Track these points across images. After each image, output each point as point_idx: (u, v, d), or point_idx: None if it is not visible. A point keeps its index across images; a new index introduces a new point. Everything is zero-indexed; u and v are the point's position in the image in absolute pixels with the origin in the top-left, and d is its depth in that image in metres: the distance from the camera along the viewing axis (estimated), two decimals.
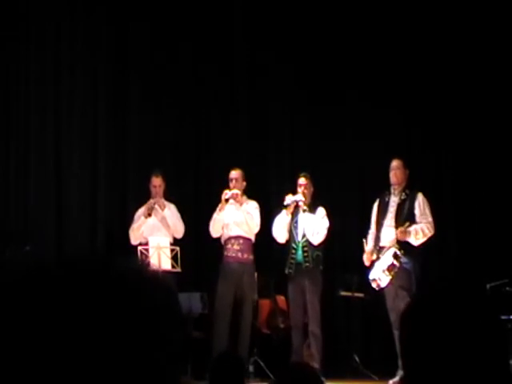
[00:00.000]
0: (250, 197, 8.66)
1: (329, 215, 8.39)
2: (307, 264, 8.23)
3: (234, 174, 8.49)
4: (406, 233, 7.85)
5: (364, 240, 8.15)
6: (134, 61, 9.91)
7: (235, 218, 8.37)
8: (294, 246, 8.33)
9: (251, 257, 8.39)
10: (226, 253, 8.38)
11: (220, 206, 8.36)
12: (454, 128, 9.88)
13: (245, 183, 8.51)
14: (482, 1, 9.86)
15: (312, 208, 8.35)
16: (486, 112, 9.76)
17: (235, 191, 8.35)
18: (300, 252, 8.29)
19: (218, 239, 8.51)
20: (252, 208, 8.44)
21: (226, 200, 8.31)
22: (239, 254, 8.34)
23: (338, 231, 8.73)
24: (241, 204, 8.39)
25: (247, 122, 10.09)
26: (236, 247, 8.35)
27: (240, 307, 8.28)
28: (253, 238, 8.45)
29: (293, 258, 8.30)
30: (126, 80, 9.92)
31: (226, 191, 8.36)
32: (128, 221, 8.75)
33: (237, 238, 8.38)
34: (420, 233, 7.90)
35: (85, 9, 9.77)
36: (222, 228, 8.41)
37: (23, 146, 9.48)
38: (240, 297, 8.29)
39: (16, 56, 9.58)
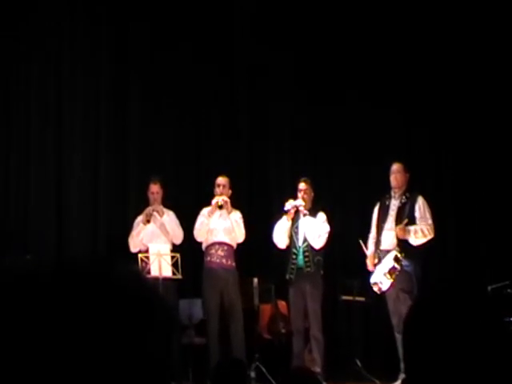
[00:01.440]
0: (250, 201, 8.66)
1: (329, 218, 8.39)
2: (308, 269, 8.22)
3: (222, 180, 8.49)
4: (405, 231, 7.86)
5: (360, 241, 8.14)
6: (133, 61, 9.90)
7: (223, 225, 8.38)
8: (294, 251, 8.32)
9: (234, 264, 8.39)
10: (208, 258, 8.38)
11: (209, 210, 8.36)
12: (455, 130, 9.87)
13: (230, 191, 8.51)
14: (482, 1, 9.85)
15: (312, 213, 8.34)
16: (487, 114, 9.75)
17: (226, 198, 8.35)
18: (301, 257, 8.27)
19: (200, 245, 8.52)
20: (237, 218, 8.44)
21: (220, 207, 8.31)
22: (223, 261, 8.33)
23: (338, 233, 8.72)
24: (229, 212, 8.39)
25: (247, 123, 10.09)
26: (220, 253, 8.35)
27: (230, 313, 8.27)
28: (235, 245, 8.45)
29: (293, 263, 8.29)
30: (126, 80, 9.92)
31: (217, 197, 8.36)
32: (129, 225, 8.75)
33: (221, 244, 8.38)
34: (419, 232, 7.91)
35: (85, 9, 9.77)
36: (206, 233, 8.40)
37: (23, 147, 9.49)
38: (228, 303, 8.28)
39: (16, 56, 9.57)
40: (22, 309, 0.91)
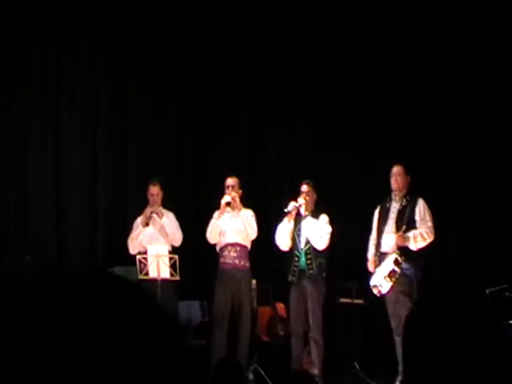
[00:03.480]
0: (250, 203, 8.66)
1: (330, 222, 8.38)
2: (310, 271, 8.21)
3: (231, 181, 8.47)
4: (404, 238, 7.86)
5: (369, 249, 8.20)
6: (133, 61, 9.89)
7: (233, 225, 8.36)
8: (296, 253, 8.31)
9: (248, 264, 8.37)
10: (222, 260, 8.36)
11: (220, 210, 8.33)
12: (455, 133, 9.87)
13: (241, 191, 8.49)
14: (481, 1, 9.85)
15: (315, 215, 8.34)
16: (487, 116, 9.75)
17: (234, 194, 8.34)
18: (303, 259, 8.27)
19: (214, 246, 8.50)
20: (248, 216, 8.43)
21: (228, 204, 8.28)
22: (236, 261, 8.32)
23: (337, 235, 8.71)
24: (239, 210, 8.38)
25: (247, 122, 10.09)
26: (233, 254, 8.33)
27: (238, 315, 8.27)
28: (249, 245, 8.44)
29: (296, 266, 8.28)
30: (126, 80, 9.91)
31: (226, 196, 8.35)
32: (128, 226, 8.75)
33: (234, 245, 8.36)
34: (419, 237, 7.90)
35: (85, 9, 9.73)
36: (219, 235, 8.39)
37: (23, 147, 9.47)
38: (238, 304, 8.27)
39: (16, 57, 9.54)
40: (20, 315, 0.92)
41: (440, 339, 1.42)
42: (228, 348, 8.12)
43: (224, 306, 8.22)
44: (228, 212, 8.34)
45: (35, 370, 0.89)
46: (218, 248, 8.44)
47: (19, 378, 0.89)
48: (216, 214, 8.39)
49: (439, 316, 1.46)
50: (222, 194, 8.46)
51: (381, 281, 7.84)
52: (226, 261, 8.33)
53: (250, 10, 10.08)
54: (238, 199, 8.35)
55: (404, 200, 8.12)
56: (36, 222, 9.32)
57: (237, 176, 8.60)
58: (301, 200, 8.27)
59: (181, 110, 10.00)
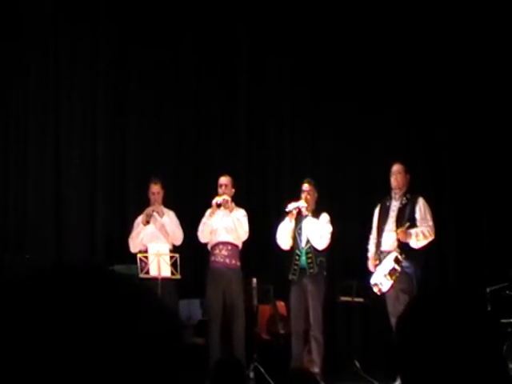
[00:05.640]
0: (250, 203, 8.66)
1: (331, 221, 8.39)
2: (311, 270, 8.22)
3: (224, 180, 8.47)
4: (406, 234, 7.86)
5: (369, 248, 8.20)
6: (133, 61, 9.89)
7: (225, 224, 8.36)
8: (297, 252, 8.31)
9: (238, 263, 8.37)
10: (213, 258, 8.36)
11: (211, 211, 8.35)
12: (455, 133, 9.88)
13: (233, 190, 8.50)
14: (480, 1, 9.85)
15: (316, 214, 8.34)
16: (486, 115, 9.75)
17: (226, 197, 8.35)
18: (304, 258, 8.27)
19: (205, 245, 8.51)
20: (240, 216, 8.43)
21: (218, 205, 8.30)
22: (227, 260, 8.32)
23: (337, 234, 8.71)
24: (230, 210, 8.38)
25: (246, 125, 10.10)
26: (224, 253, 8.33)
27: (231, 315, 8.26)
28: (240, 245, 8.44)
29: (296, 264, 8.29)
30: (126, 79, 9.91)
31: (217, 197, 8.36)
32: (127, 225, 8.75)
33: (225, 243, 8.36)
34: (420, 235, 7.91)
35: (85, 8, 9.73)
36: (210, 233, 8.40)
37: (22, 147, 9.47)
38: (230, 304, 8.26)
39: (16, 57, 9.53)
40: (20, 313, 0.93)
41: (433, 337, 1.42)
42: (223, 347, 8.12)
43: (216, 306, 8.23)
44: (220, 210, 8.35)
45: (35, 368, 0.89)
46: (209, 246, 8.45)
47: (20, 376, 0.89)
48: (208, 212, 8.41)
49: (433, 314, 1.46)
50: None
51: (381, 279, 7.84)
52: (217, 259, 8.33)
53: (250, 10, 10.08)
54: (230, 201, 8.36)
55: (404, 198, 8.11)
56: (36, 221, 9.31)
57: (236, 175, 8.61)
58: (301, 202, 8.28)
59: (181, 110, 9.99)
